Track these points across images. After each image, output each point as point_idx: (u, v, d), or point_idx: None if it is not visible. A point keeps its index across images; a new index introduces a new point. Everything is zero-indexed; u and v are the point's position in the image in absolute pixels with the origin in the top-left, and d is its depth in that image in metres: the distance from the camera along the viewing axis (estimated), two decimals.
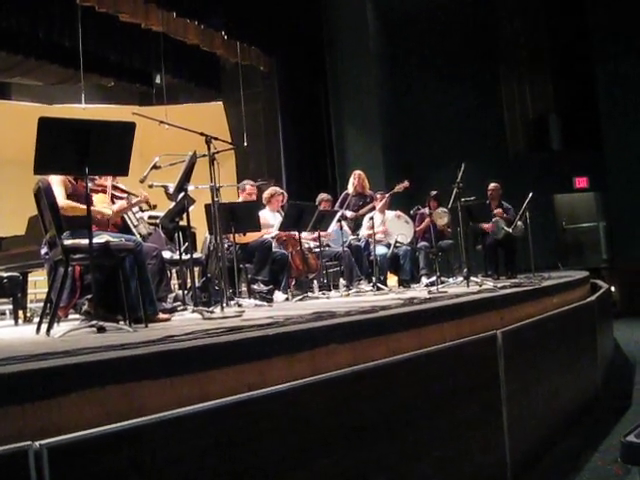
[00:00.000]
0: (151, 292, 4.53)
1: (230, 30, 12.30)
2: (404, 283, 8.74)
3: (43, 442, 1.79)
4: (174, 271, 7.04)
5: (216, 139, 5.26)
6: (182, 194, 5.37)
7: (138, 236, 4.94)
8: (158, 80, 13.70)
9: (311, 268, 7.89)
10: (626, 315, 12.69)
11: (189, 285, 6.65)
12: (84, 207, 4.08)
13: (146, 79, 13.93)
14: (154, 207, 5.12)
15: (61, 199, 4.42)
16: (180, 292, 6.43)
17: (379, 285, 7.80)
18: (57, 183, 4.45)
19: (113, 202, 5.00)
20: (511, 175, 14.04)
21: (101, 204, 4.87)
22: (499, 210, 9.45)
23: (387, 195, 9.12)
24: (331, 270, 8.78)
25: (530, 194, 9.03)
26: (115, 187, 4.93)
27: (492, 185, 9.79)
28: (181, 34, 11.74)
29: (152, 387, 2.28)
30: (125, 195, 4.95)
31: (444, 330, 4.05)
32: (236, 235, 6.54)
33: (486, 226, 9.35)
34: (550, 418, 4.88)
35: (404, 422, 3.15)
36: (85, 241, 3.98)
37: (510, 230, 9.10)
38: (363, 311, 3.87)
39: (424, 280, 8.75)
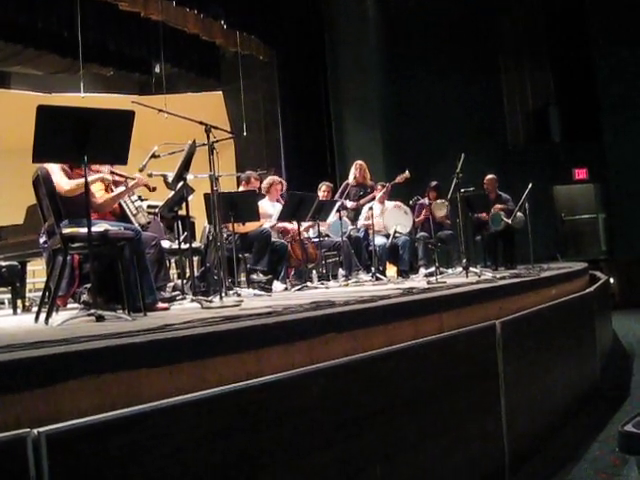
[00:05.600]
0: (150, 281, 4.53)
1: (230, 19, 12.28)
2: (403, 273, 8.74)
3: (41, 430, 1.79)
4: (173, 260, 7.04)
5: (215, 128, 5.25)
6: (181, 183, 5.36)
7: (137, 225, 4.93)
8: (157, 69, 13.69)
9: (311, 258, 7.89)
10: (624, 306, 12.70)
11: (188, 274, 6.65)
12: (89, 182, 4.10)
13: (145, 68, 13.92)
14: (154, 189, 5.11)
15: (65, 182, 4.40)
16: (179, 281, 6.43)
17: (378, 275, 7.80)
18: (57, 169, 4.44)
19: (111, 190, 4.99)
20: (511, 166, 14.05)
21: (98, 191, 4.86)
22: (497, 206, 9.42)
23: (387, 185, 9.11)
24: (330, 260, 8.78)
25: (529, 185, 9.02)
26: (112, 172, 4.92)
27: (488, 177, 9.76)
28: (181, 23, 11.72)
29: (150, 375, 2.28)
30: (123, 180, 4.94)
31: (443, 320, 4.05)
32: (235, 225, 6.53)
33: (483, 215, 9.32)
34: (548, 408, 4.89)
35: (402, 412, 3.15)
36: (84, 230, 3.98)
37: (509, 221, 9.09)
38: (362, 301, 3.87)
39: (422, 270, 8.75)
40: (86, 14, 10.42)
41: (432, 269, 7.91)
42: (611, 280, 11.74)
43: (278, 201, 8.00)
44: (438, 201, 8.87)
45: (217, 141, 5.31)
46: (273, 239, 7.25)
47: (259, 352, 2.70)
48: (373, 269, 7.93)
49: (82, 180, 4.14)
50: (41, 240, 4.97)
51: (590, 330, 6.40)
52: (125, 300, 4.25)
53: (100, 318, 3.77)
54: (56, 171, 4.42)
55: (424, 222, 9.31)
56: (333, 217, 8.14)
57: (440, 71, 14.59)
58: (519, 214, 9.17)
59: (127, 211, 5.09)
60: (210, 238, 6.73)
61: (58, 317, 4.09)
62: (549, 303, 5.58)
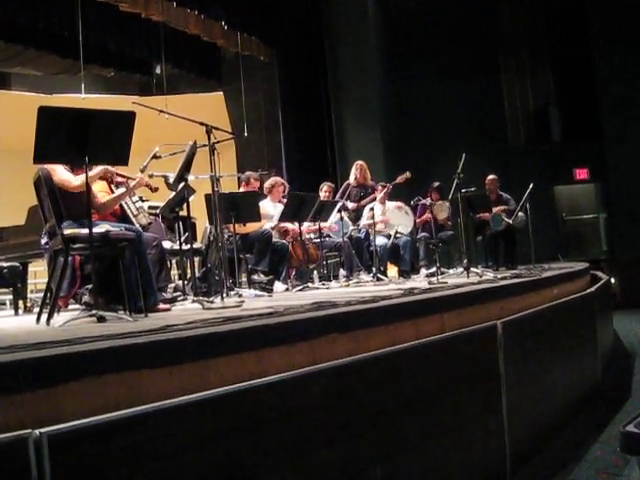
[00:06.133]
0: (151, 282, 4.54)
1: (230, 20, 12.28)
2: (404, 274, 8.73)
3: (43, 430, 1.79)
4: (174, 261, 7.04)
5: (216, 129, 5.25)
6: (182, 184, 5.36)
7: (138, 226, 4.93)
8: (158, 70, 13.70)
9: (312, 258, 7.89)
10: (626, 306, 12.69)
11: (189, 275, 6.65)
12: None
13: (146, 69, 13.93)
14: (155, 190, 5.12)
15: (73, 178, 4.40)
16: (180, 282, 6.43)
17: (379, 276, 7.79)
18: (60, 167, 4.43)
19: (112, 190, 5.00)
20: (511, 167, 14.04)
21: (100, 192, 4.87)
22: (499, 208, 9.41)
23: (388, 186, 9.10)
24: (331, 261, 8.78)
25: (530, 185, 9.02)
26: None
27: (489, 177, 9.76)
28: (181, 24, 11.72)
29: (152, 376, 2.28)
30: (124, 180, 4.94)
31: (444, 320, 4.05)
32: (236, 225, 6.53)
33: (485, 215, 9.30)
34: (550, 409, 4.89)
35: (404, 412, 3.15)
36: (85, 230, 3.98)
37: (510, 221, 9.09)
38: (363, 301, 3.87)
39: (424, 271, 8.75)
40: (87, 15, 10.41)
41: (433, 269, 7.91)
42: (612, 280, 11.73)
43: (280, 202, 8.00)
44: (439, 203, 8.87)
45: (218, 142, 5.31)
46: (274, 240, 7.26)
47: (260, 353, 2.70)
48: (374, 269, 7.92)
49: (90, 175, 4.19)
50: (42, 241, 4.98)
51: (591, 330, 6.39)
52: (126, 301, 4.26)
53: (101, 319, 3.77)
54: (60, 169, 4.42)
55: (425, 222, 9.31)
56: (334, 218, 8.14)
57: (440, 71, 14.59)
58: (520, 214, 9.17)
59: (128, 212, 5.10)
60: (211, 239, 6.73)
61: (59, 318, 4.10)
62: (550, 303, 5.58)
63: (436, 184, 9.47)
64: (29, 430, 1.78)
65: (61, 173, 4.40)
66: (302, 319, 3.10)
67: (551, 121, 15.55)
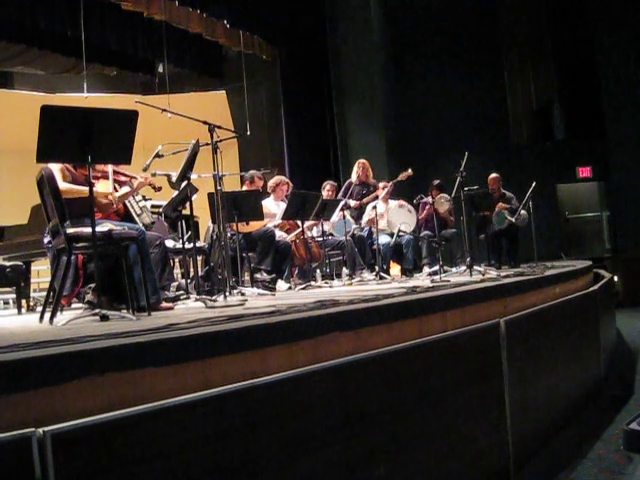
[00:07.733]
0: (154, 281, 4.54)
1: (233, 19, 12.29)
2: (407, 272, 8.73)
3: (46, 429, 1.80)
4: (177, 260, 7.04)
5: (219, 128, 5.26)
6: (185, 183, 5.37)
7: (141, 225, 4.94)
8: (161, 69, 13.72)
9: (314, 257, 7.89)
10: (629, 305, 12.68)
11: (192, 274, 6.65)
12: (83, 188, 4.19)
13: (149, 68, 13.95)
14: (159, 189, 5.12)
15: (59, 183, 4.42)
16: (183, 281, 6.43)
17: (382, 274, 7.79)
18: (56, 169, 4.45)
19: (116, 189, 5.00)
20: (514, 165, 14.04)
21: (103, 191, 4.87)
22: (501, 204, 9.40)
23: (391, 184, 9.10)
24: (334, 259, 8.78)
25: (533, 184, 9.01)
26: (116, 172, 4.93)
27: (491, 176, 9.76)
28: (184, 23, 11.73)
29: (155, 375, 2.28)
30: (128, 179, 4.95)
31: (447, 319, 4.05)
32: (239, 224, 6.54)
33: (487, 212, 9.28)
34: (553, 407, 4.89)
35: (406, 411, 3.15)
36: (88, 229, 3.98)
37: (513, 219, 9.08)
38: (366, 299, 3.87)
39: (426, 269, 8.74)
40: (89, 14, 10.43)
41: (436, 268, 7.90)
42: (615, 278, 11.72)
43: (283, 201, 8.00)
44: (439, 196, 8.85)
45: (220, 140, 5.32)
46: (277, 238, 7.25)
47: (263, 351, 2.70)
48: (377, 268, 7.92)
49: (77, 187, 4.33)
50: (45, 240, 4.99)
51: (594, 328, 6.38)
52: (129, 300, 4.26)
53: (104, 318, 3.77)
54: (55, 171, 4.44)
55: (428, 220, 9.30)
56: (337, 216, 8.14)
57: (443, 69, 14.60)
58: (523, 212, 9.16)
59: (131, 211, 5.10)
60: (214, 237, 6.73)
61: (62, 317, 4.10)
62: (553, 302, 5.58)
63: (436, 182, 9.47)
64: (32, 429, 1.79)
65: (55, 174, 4.42)
66: (305, 318, 3.09)
67: (554, 119, 15.54)
